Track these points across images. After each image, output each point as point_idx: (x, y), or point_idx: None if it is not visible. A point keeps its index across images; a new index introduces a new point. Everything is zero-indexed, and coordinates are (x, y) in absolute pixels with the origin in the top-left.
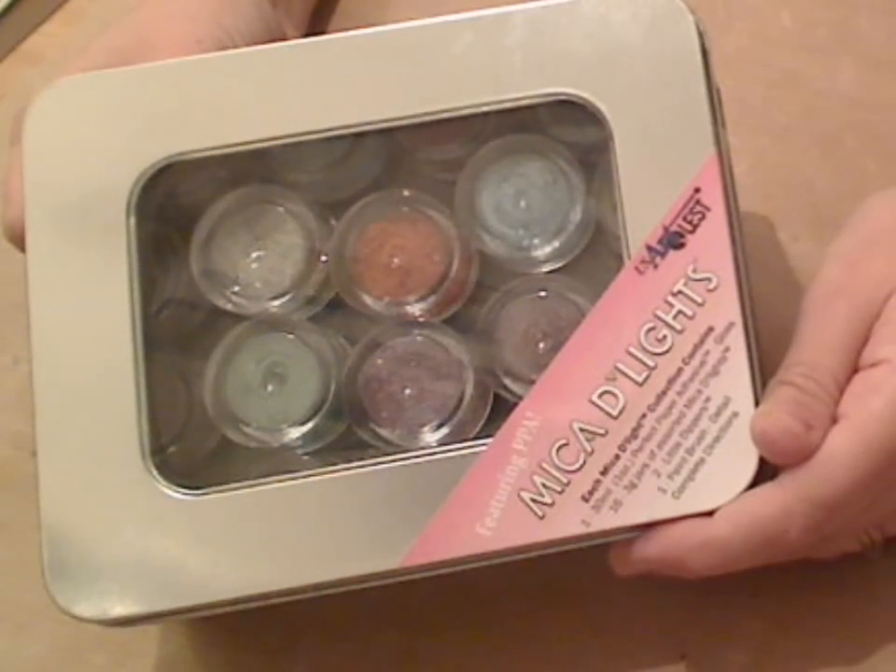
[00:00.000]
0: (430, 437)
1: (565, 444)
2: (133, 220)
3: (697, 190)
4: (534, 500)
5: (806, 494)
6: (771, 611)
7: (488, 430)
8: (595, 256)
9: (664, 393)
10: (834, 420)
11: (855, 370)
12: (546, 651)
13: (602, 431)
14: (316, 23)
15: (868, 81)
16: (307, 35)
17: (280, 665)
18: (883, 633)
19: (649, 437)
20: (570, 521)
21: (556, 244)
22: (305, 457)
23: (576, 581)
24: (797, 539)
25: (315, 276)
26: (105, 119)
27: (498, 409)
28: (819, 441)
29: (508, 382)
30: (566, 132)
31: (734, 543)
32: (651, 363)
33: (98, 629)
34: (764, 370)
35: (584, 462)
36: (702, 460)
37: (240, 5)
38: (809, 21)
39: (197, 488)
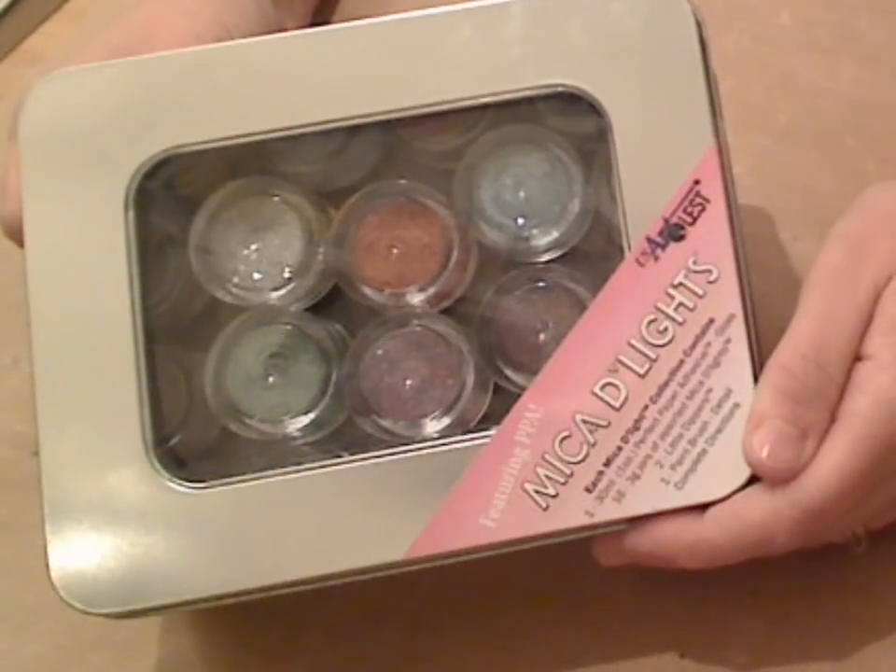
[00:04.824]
0: (432, 427)
1: (567, 436)
2: (131, 213)
3: (697, 182)
4: (537, 492)
5: (795, 499)
6: (771, 611)
7: (490, 420)
8: (595, 245)
9: (665, 385)
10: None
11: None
12: (546, 651)
13: (605, 423)
14: (318, 22)
15: (868, 81)
16: None
17: (280, 664)
18: (883, 632)
19: (651, 428)
20: (574, 512)
21: (555, 233)
22: (307, 449)
23: (576, 580)
24: (785, 541)
25: (314, 267)
26: (101, 112)
27: (500, 399)
28: (813, 450)
29: (508, 372)
30: (565, 122)
31: (722, 546)
32: (652, 355)
33: (98, 629)
34: (765, 361)
35: (587, 453)
36: (704, 451)
37: (241, 3)
38: (809, 20)
39: (200, 481)
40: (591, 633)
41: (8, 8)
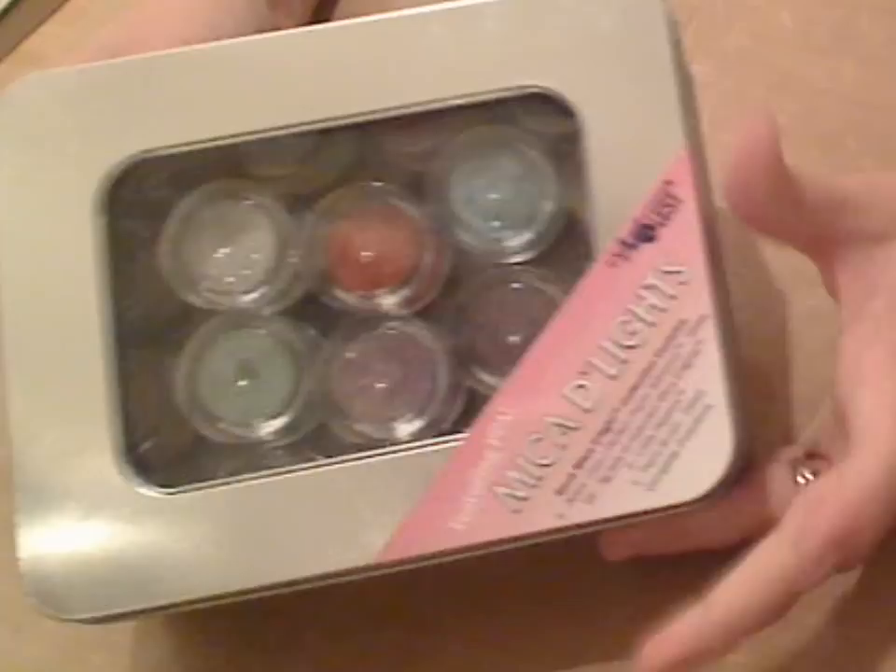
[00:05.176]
0: (404, 430)
1: (538, 439)
2: (102, 217)
3: (668, 183)
4: (508, 495)
5: None
6: None
7: (462, 423)
8: (567, 247)
9: (637, 386)
10: None
11: None
12: (546, 651)
13: (575, 425)
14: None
15: (868, 81)
16: None
17: (280, 664)
18: (883, 633)
19: (622, 430)
20: (545, 515)
21: (528, 235)
22: (279, 452)
23: (576, 580)
24: None
25: (286, 270)
26: (71, 116)
27: (472, 401)
28: None
29: (481, 374)
30: (537, 124)
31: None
32: (623, 356)
33: (98, 629)
34: (739, 362)
35: (558, 456)
36: (675, 453)
37: (234, 6)
38: (809, 20)
39: (172, 486)
40: (591, 633)
41: (8, 8)
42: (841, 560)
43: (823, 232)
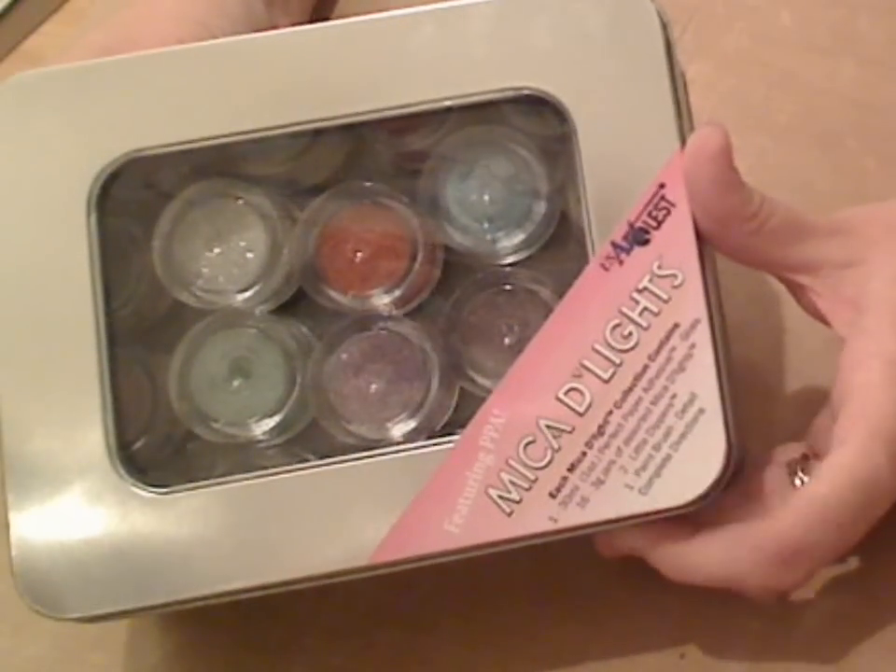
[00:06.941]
0: (397, 431)
1: (532, 441)
2: (93, 217)
3: (662, 186)
4: (501, 497)
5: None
6: (771, 611)
7: (455, 423)
8: (560, 248)
9: (630, 390)
10: None
11: None
12: (546, 651)
13: (569, 428)
14: (316, 20)
15: (868, 81)
16: None
17: (280, 664)
18: (883, 633)
19: (615, 434)
20: (538, 517)
21: (521, 236)
22: (272, 452)
23: (576, 580)
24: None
25: (278, 270)
26: (64, 115)
27: (465, 401)
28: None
29: (473, 375)
30: (530, 125)
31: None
32: (616, 360)
33: (98, 628)
34: (731, 365)
35: (551, 459)
36: (668, 456)
37: (227, 6)
38: (809, 20)
39: (165, 485)
40: (591, 632)
41: (8, 8)
42: None
43: (790, 259)
